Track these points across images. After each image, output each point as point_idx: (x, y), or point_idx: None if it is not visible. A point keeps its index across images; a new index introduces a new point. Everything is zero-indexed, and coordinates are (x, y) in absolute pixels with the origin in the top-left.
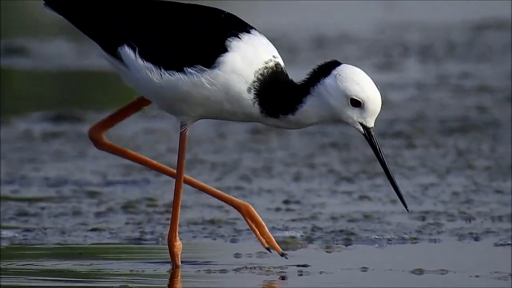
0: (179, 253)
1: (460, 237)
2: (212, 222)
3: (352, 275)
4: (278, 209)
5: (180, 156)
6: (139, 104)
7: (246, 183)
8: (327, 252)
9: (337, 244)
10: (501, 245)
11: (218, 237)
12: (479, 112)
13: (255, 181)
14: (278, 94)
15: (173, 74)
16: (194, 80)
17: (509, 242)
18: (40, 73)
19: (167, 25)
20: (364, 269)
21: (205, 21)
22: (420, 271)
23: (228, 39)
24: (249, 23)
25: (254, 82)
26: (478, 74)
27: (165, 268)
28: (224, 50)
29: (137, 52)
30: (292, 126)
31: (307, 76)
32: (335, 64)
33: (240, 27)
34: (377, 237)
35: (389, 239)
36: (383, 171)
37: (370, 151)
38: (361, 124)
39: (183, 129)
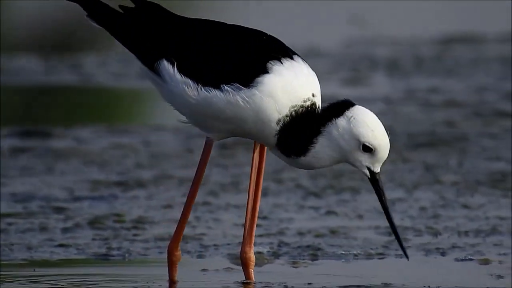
0: (177, 263)
1: (427, 252)
2: None
3: None
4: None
5: (200, 168)
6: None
7: (214, 199)
8: (294, 267)
9: (303, 259)
10: (468, 260)
11: (185, 252)
12: (447, 127)
13: (223, 196)
14: (296, 134)
15: (210, 90)
16: (229, 98)
17: (472, 258)
18: (8, 88)
19: (207, 42)
20: (333, 283)
21: (246, 41)
22: (386, 286)
23: (270, 61)
24: (292, 49)
25: (286, 116)
26: (446, 88)
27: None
28: (265, 71)
29: (175, 66)
30: (302, 167)
31: (317, 115)
32: (349, 104)
33: (282, 52)
34: (343, 252)
35: (355, 255)
36: (384, 214)
37: (337, 166)
38: (368, 168)
39: (209, 141)
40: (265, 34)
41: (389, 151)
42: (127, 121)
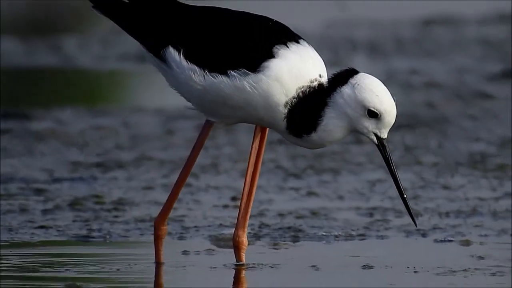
0: (163, 238)
1: (408, 233)
2: None
3: (301, 272)
4: (225, 206)
5: (196, 148)
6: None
7: (194, 180)
8: (275, 249)
9: (284, 241)
10: (448, 241)
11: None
12: (427, 108)
13: (203, 177)
14: (305, 113)
15: (216, 76)
16: (237, 83)
17: (453, 239)
18: None
19: (213, 29)
20: (313, 266)
21: (252, 27)
22: (368, 267)
23: (276, 46)
24: (297, 33)
25: (293, 98)
26: (426, 70)
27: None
28: (271, 56)
29: (181, 53)
30: (316, 145)
31: (323, 88)
32: (352, 72)
33: (288, 36)
34: (324, 233)
35: (336, 236)
36: (393, 183)
37: None
38: (375, 134)
39: (209, 123)
40: (271, 19)
41: (395, 116)
42: (107, 103)
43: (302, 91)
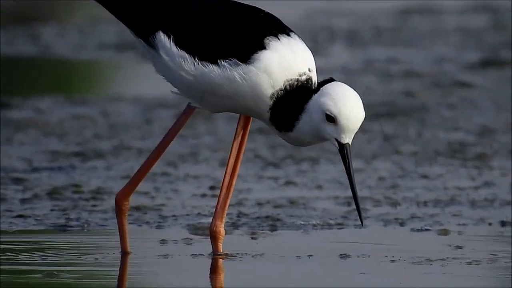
0: (126, 213)
1: (386, 222)
2: (137, 208)
3: (279, 261)
4: (204, 195)
5: (173, 130)
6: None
7: (172, 169)
8: (253, 238)
9: (262, 230)
10: (426, 230)
11: (143, 223)
12: (406, 97)
13: (182, 167)
14: (288, 111)
15: (207, 65)
16: (227, 74)
17: (431, 228)
18: None
19: (205, 17)
20: (291, 255)
21: (244, 17)
22: (346, 256)
23: (267, 37)
24: (288, 26)
25: (280, 90)
26: (405, 59)
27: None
28: (262, 47)
29: (172, 40)
30: (293, 142)
31: (304, 93)
32: (329, 81)
33: (279, 28)
34: (302, 222)
35: (314, 225)
36: (349, 187)
37: None
38: (336, 140)
39: (191, 109)
40: (262, 10)
41: (359, 120)
42: (86, 92)
43: (289, 84)
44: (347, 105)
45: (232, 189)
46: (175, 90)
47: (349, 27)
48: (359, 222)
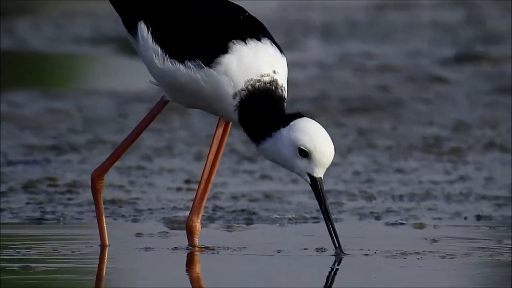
0: (101, 192)
1: (361, 216)
2: (113, 202)
3: (254, 254)
4: (179, 189)
5: (147, 118)
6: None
7: (147, 163)
8: (228, 231)
9: (238, 223)
10: (402, 224)
11: (119, 217)
12: (381, 91)
13: (157, 160)
14: (256, 115)
15: (174, 63)
16: (191, 74)
17: (407, 222)
18: None
19: (182, 14)
20: (266, 249)
21: (219, 19)
22: (321, 250)
23: (233, 41)
24: (268, 31)
25: (242, 90)
26: (380, 53)
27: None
28: (225, 51)
29: (150, 32)
30: (260, 153)
31: (275, 120)
32: (297, 116)
33: (252, 32)
34: (278, 216)
35: (290, 219)
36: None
37: None
38: (309, 174)
39: (165, 100)
40: (246, 12)
41: (332, 155)
42: (61, 86)
43: (251, 84)
44: (322, 141)
45: (210, 185)
46: (154, 80)
47: (324, 21)
48: (335, 216)
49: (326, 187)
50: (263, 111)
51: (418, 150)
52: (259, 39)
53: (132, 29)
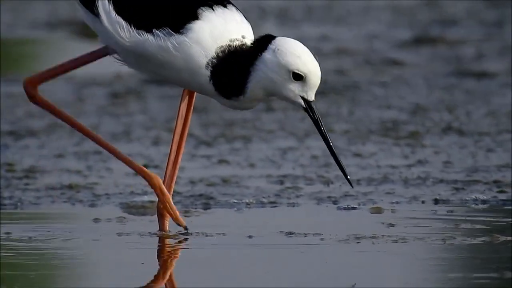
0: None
1: (319, 200)
2: (70, 187)
3: (211, 239)
4: (137, 174)
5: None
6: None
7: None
8: (186, 216)
9: (196, 208)
10: (360, 208)
11: (77, 202)
12: (338, 75)
13: (115, 145)
14: (230, 75)
15: (142, 34)
16: (161, 43)
17: (364, 206)
18: None
19: None
20: (222, 233)
21: None
22: (279, 235)
23: (201, 7)
24: None
25: (213, 58)
26: (337, 36)
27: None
28: (195, 17)
29: (111, 5)
30: (243, 107)
31: (245, 54)
32: (270, 38)
33: (217, 0)
34: (235, 201)
35: (247, 203)
36: (325, 144)
37: (228, 115)
38: (302, 98)
39: (106, 50)
40: None
41: (320, 77)
42: (18, 71)
43: (221, 51)
44: (314, 62)
45: (177, 167)
46: (117, 56)
47: (280, 4)
48: (292, 200)
49: (283, 171)
50: (240, 68)
51: (376, 134)
52: (224, 6)
53: (91, 6)
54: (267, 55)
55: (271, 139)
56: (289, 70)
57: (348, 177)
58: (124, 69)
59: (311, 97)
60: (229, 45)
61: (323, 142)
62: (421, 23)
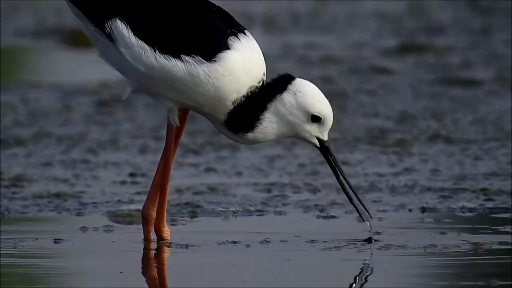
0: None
1: (306, 208)
2: (57, 195)
3: (199, 247)
4: (123, 182)
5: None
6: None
7: (92, 156)
8: (172, 225)
9: (182, 217)
10: (345, 216)
11: (63, 210)
12: (325, 83)
13: (102, 154)
14: (245, 113)
15: (169, 59)
16: (191, 69)
17: (351, 214)
18: None
19: (163, 7)
20: (210, 241)
21: (201, 12)
22: (265, 243)
23: (230, 37)
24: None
25: (243, 96)
26: (323, 45)
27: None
28: (226, 47)
29: (129, 29)
30: (248, 142)
31: (262, 92)
32: (289, 78)
33: (234, 25)
34: (222, 209)
35: (234, 211)
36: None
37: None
38: (318, 138)
39: (171, 120)
40: (214, 4)
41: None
42: (4, 79)
43: (251, 91)
44: (329, 105)
45: (169, 173)
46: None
47: (267, 12)
48: (279, 209)
49: (270, 179)
50: (249, 109)
51: (363, 142)
52: (244, 33)
53: (104, 29)
54: (286, 96)
55: (258, 147)
56: (309, 113)
57: (369, 221)
58: (111, 77)
59: (326, 137)
60: (257, 87)
61: (339, 186)
62: (408, 31)
